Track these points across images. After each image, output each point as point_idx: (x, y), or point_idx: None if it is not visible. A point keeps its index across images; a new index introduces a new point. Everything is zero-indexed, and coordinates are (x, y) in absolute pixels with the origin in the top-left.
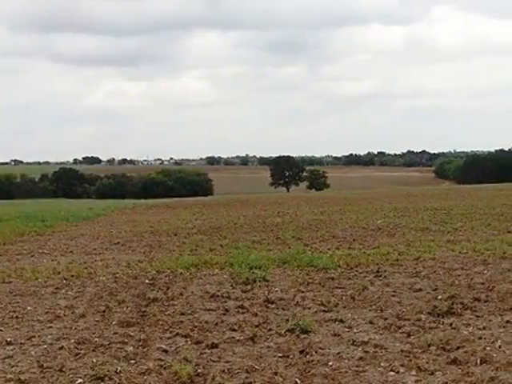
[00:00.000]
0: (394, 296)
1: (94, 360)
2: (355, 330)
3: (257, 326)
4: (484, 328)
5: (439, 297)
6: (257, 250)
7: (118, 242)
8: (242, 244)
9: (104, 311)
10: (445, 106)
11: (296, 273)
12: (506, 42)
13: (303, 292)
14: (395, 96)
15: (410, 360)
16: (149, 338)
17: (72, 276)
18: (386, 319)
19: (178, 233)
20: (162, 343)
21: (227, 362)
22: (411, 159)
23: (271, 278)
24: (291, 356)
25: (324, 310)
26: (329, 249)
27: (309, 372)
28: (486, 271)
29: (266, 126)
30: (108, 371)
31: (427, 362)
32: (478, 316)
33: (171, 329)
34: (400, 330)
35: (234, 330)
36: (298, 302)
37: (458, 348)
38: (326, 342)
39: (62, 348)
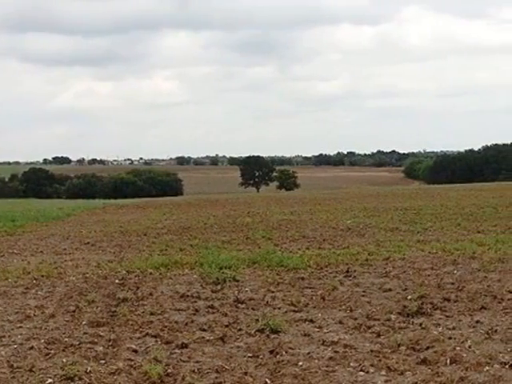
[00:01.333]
0: (363, 296)
1: (64, 360)
2: (325, 330)
3: (227, 326)
4: (454, 328)
5: (409, 297)
6: (227, 250)
7: (88, 242)
8: (211, 244)
9: (74, 311)
10: (415, 106)
11: (266, 273)
12: (475, 42)
13: (273, 292)
14: (365, 96)
15: (380, 360)
16: (119, 337)
17: (42, 276)
18: (355, 319)
19: (147, 233)
20: (132, 343)
21: (197, 361)
22: (381, 159)
23: (241, 278)
24: (261, 356)
25: (294, 310)
26: (299, 249)
27: (279, 372)
28: (455, 271)
29: (235, 126)
30: (78, 371)
31: (397, 362)
32: (447, 316)
33: (141, 329)
34: (370, 330)
35: (204, 330)
36: (268, 302)
37: (427, 348)
38: (295, 342)
39: (32, 348)
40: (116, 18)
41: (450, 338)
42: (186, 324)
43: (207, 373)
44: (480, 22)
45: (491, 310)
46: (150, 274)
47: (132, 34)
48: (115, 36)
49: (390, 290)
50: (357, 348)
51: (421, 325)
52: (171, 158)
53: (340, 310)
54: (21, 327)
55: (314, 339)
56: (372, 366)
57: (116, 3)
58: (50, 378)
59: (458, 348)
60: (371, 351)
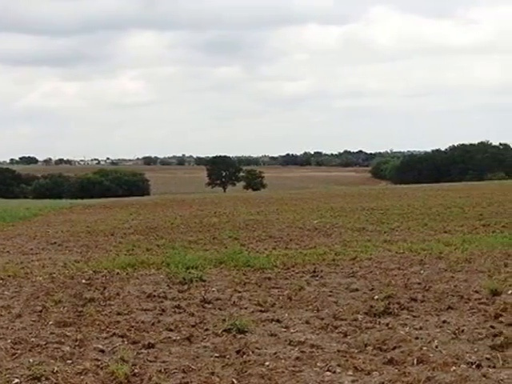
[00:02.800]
0: (330, 296)
1: (31, 360)
2: (292, 330)
3: (193, 326)
4: (420, 328)
5: (376, 297)
6: (193, 250)
7: (55, 242)
8: (178, 244)
9: (41, 311)
10: (382, 106)
11: (233, 273)
12: (442, 42)
13: (240, 292)
14: (332, 96)
15: (347, 360)
16: (85, 338)
17: (8, 276)
18: (322, 319)
19: (114, 233)
20: (99, 343)
21: (164, 361)
22: (348, 159)
23: (208, 278)
24: (228, 356)
25: (261, 310)
26: (265, 249)
27: (245, 372)
28: (422, 271)
29: (202, 126)
30: (45, 371)
31: (364, 362)
32: (414, 316)
33: (108, 329)
34: (336, 330)
35: (171, 330)
36: (234, 302)
37: (394, 348)
38: (262, 342)
39: None
40: (83, 17)
41: (416, 338)
42: (153, 324)
43: (174, 373)
44: (447, 22)
45: (458, 310)
46: (117, 274)
47: (99, 34)
48: (82, 36)
49: (356, 290)
50: (323, 348)
51: (388, 325)
52: (138, 158)
53: (307, 310)
54: None
55: (280, 339)
56: (339, 366)
57: (83, 3)
58: (17, 377)
59: (424, 348)
60: (338, 351)
